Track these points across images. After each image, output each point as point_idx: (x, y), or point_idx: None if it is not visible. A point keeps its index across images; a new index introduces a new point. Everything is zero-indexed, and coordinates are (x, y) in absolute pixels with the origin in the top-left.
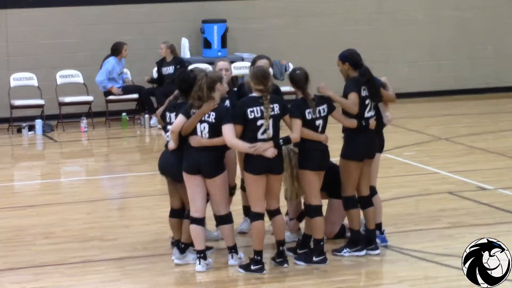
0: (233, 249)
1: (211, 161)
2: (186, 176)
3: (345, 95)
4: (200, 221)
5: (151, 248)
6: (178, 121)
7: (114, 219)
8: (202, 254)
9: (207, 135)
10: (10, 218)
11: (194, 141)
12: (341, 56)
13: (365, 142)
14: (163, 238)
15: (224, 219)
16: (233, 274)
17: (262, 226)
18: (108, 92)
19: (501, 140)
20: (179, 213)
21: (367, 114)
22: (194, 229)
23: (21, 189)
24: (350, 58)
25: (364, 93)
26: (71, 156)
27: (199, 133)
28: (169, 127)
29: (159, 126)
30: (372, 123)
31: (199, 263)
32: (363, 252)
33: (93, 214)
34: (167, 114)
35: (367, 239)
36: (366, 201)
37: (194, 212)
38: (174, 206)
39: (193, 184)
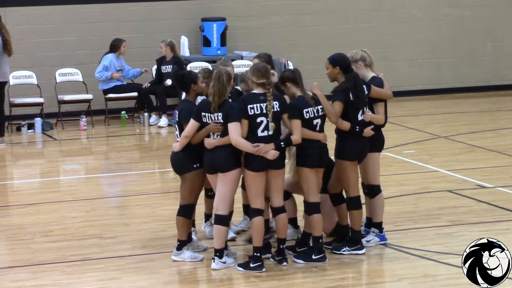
0: (218, 253)
1: (225, 156)
2: (208, 176)
3: (332, 100)
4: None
5: (150, 246)
6: (190, 126)
7: (113, 217)
8: (218, 253)
9: (219, 135)
10: (9, 216)
11: (207, 144)
12: (332, 59)
13: (356, 144)
14: (162, 236)
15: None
16: (232, 272)
17: (262, 223)
18: (107, 90)
19: (501, 138)
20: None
21: (360, 117)
22: (216, 228)
23: (20, 187)
24: (342, 62)
25: (353, 97)
26: (70, 154)
27: (211, 134)
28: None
29: (159, 124)
30: (367, 132)
31: (214, 261)
32: (363, 251)
33: (92, 212)
34: (174, 111)
35: (340, 236)
36: (339, 198)
37: (221, 211)
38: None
39: (215, 183)
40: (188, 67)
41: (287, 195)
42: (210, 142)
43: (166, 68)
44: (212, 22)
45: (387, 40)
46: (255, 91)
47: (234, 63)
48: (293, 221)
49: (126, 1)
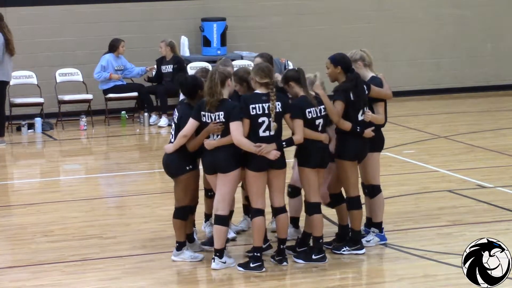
0: (218, 253)
1: (225, 157)
2: (207, 177)
3: (333, 100)
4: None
5: (150, 246)
6: (189, 125)
7: (113, 217)
8: (218, 253)
9: (219, 135)
10: (9, 216)
11: (207, 145)
12: (333, 59)
13: (356, 144)
14: (162, 236)
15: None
16: (232, 272)
17: (263, 223)
18: (107, 90)
19: (501, 138)
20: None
21: (360, 117)
22: (216, 228)
23: (20, 187)
24: (343, 62)
25: (354, 97)
26: (70, 154)
27: (210, 136)
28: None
29: (159, 124)
30: (368, 132)
31: (214, 261)
32: (363, 251)
33: (92, 212)
34: (174, 111)
35: (340, 236)
36: (339, 198)
37: (221, 211)
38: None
39: (215, 184)
40: (188, 67)
41: (297, 193)
42: (211, 143)
43: (166, 68)
44: (212, 22)
45: (387, 40)
46: (258, 91)
47: (234, 63)
48: (294, 221)
49: (126, 1)
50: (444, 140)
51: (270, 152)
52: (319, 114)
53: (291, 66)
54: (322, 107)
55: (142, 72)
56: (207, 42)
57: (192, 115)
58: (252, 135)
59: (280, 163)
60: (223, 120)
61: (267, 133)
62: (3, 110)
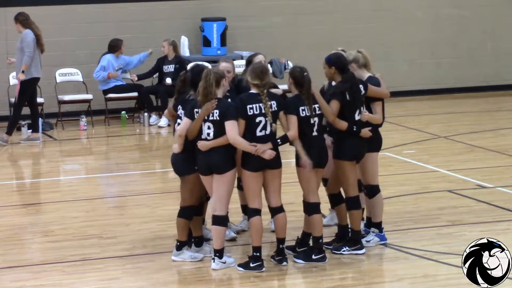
0: (217, 253)
1: (221, 158)
2: (201, 178)
3: (328, 100)
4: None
5: (150, 246)
6: (183, 124)
7: (114, 217)
8: (218, 254)
9: (212, 135)
10: (9, 216)
11: (201, 146)
12: (328, 59)
13: (354, 144)
14: (162, 236)
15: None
16: (232, 272)
17: (260, 222)
18: (107, 90)
19: (501, 138)
20: (198, 211)
21: (357, 117)
22: (215, 228)
23: (20, 187)
24: (337, 62)
25: (349, 97)
26: (70, 154)
27: (204, 134)
28: (178, 120)
29: (159, 124)
30: (365, 132)
31: (214, 261)
32: (363, 251)
33: (92, 212)
34: (179, 106)
35: (340, 236)
36: (338, 198)
37: (219, 211)
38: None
39: (210, 184)
40: (188, 67)
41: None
42: (205, 144)
43: (168, 67)
44: (212, 22)
45: (387, 40)
46: (253, 91)
47: (234, 63)
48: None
49: (126, 1)
50: (444, 140)
51: (265, 151)
52: (313, 113)
53: (291, 66)
54: (316, 105)
55: (143, 58)
56: (207, 42)
57: (185, 114)
58: (249, 134)
59: (276, 163)
60: (218, 118)
61: (263, 133)
62: (21, 109)
